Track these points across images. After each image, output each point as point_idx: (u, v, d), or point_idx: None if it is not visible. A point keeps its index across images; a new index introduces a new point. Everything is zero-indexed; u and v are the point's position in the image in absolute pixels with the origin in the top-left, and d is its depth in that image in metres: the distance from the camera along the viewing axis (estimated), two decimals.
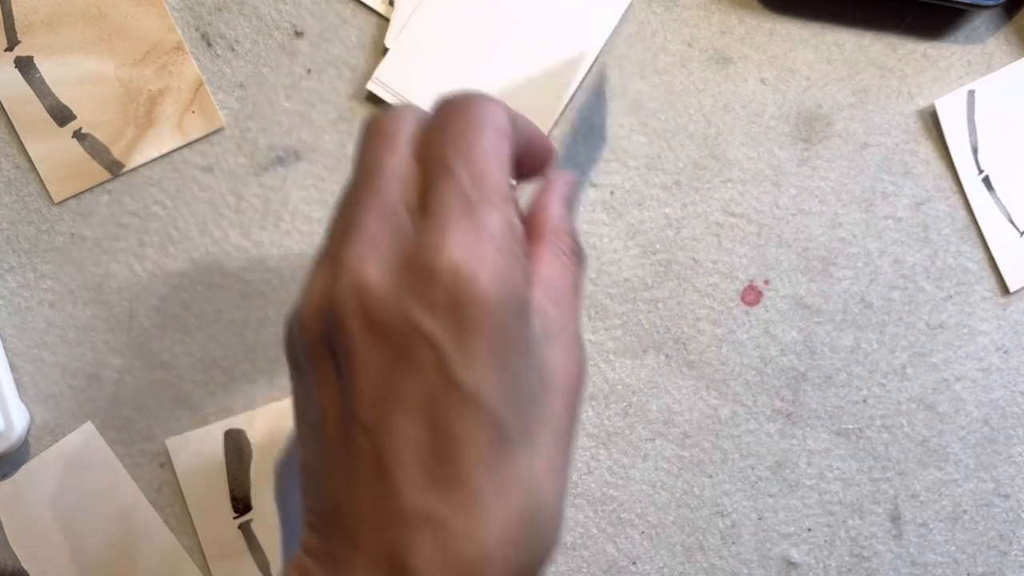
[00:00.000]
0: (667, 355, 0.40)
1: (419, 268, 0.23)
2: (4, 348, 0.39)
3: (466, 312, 0.22)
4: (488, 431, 0.23)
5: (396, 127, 0.25)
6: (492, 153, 0.25)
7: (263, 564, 0.39)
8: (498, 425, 0.23)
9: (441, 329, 0.23)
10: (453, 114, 0.25)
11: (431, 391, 0.23)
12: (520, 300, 0.24)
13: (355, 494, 0.24)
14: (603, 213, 0.40)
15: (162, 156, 0.39)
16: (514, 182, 0.27)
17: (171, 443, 0.39)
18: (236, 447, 0.39)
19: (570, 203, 0.29)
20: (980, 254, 0.40)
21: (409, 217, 0.24)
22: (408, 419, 0.23)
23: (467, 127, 0.25)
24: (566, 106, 0.40)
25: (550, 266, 0.26)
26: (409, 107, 0.27)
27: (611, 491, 0.40)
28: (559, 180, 0.29)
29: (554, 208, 0.28)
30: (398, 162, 0.25)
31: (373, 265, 0.23)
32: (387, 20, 0.39)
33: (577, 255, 0.27)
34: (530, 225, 0.28)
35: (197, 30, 0.40)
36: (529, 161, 0.29)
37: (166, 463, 0.39)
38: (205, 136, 0.39)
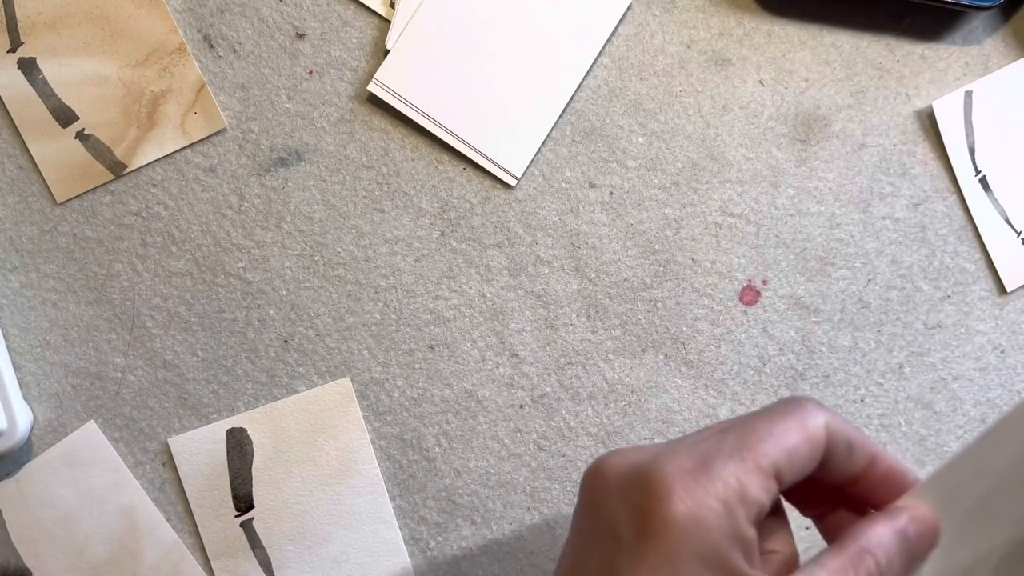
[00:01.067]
0: (666, 354, 0.40)
1: (637, 475, 0.26)
2: (7, 347, 0.39)
3: (651, 523, 0.25)
4: None
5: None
6: (775, 436, 0.26)
7: (264, 562, 0.39)
8: None
9: (627, 528, 0.26)
10: (781, 400, 0.28)
11: (601, 574, 0.26)
12: (706, 544, 0.25)
13: None
14: (602, 213, 0.40)
15: (164, 157, 0.40)
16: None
17: (173, 442, 0.39)
18: (238, 445, 0.39)
19: (909, 544, 0.27)
20: (977, 254, 0.41)
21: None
22: None
23: (775, 411, 0.27)
24: (566, 107, 0.40)
25: (831, 572, 0.26)
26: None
27: None
28: (903, 513, 0.27)
29: (878, 531, 0.27)
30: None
31: (617, 459, 0.28)
32: (388, 22, 0.40)
33: None
34: (847, 532, 0.27)
35: (199, 32, 0.40)
36: (873, 483, 0.28)
37: (168, 461, 0.40)
38: (207, 137, 0.40)
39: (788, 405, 0.27)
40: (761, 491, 0.26)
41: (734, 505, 0.25)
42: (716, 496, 0.25)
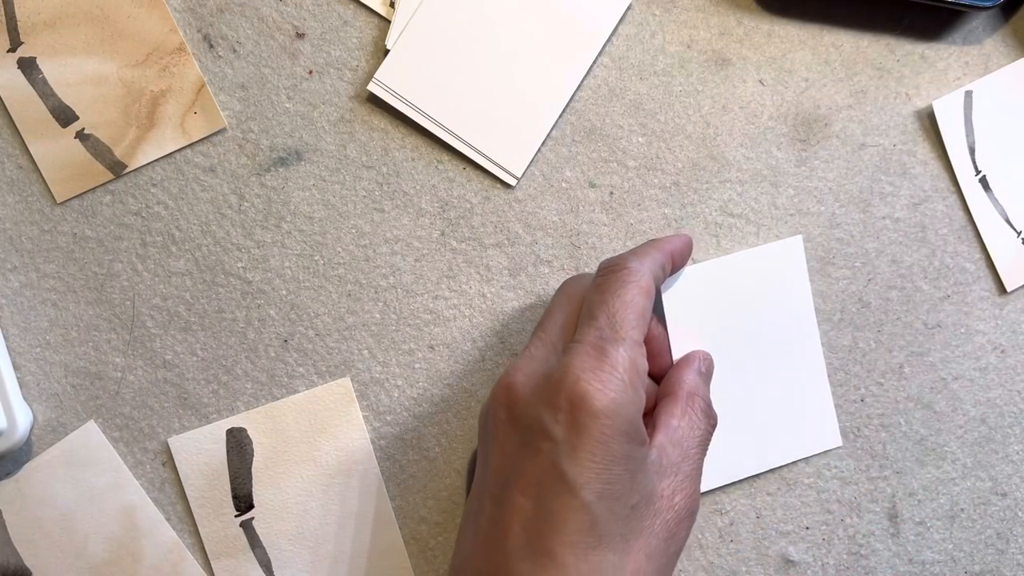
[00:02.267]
0: None
1: (552, 381, 0.30)
2: (7, 347, 0.39)
3: (579, 418, 0.29)
4: (580, 518, 0.29)
5: (572, 286, 0.35)
6: (630, 306, 0.32)
7: (264, 562, 0.39)
8: (591, 516, 0.29)
9: (559, 427, 0.29)
10: (606, 274, 0.33)
11: (542, 474, 0.29)
12: (627, 420, 0.30)
13: (475, 548, 0.31)
14: (602, 213, 0.40)
15: (164, 156, 0.40)
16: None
17: (173, 442, 0.39)
18: (238, 445, 0.39)
19: (705, 376, 0.36)
20: (977, 254, 0.41)
21: (562, 348, 0.32)
22: (522, 494, 0.30)
23: (613, 285, 0.32)
24: (566, 107, 0.40)
25: (679, 418, 0.34)
26: (586, 274, 0.36)
27: None
28: (696, 357, 0.37)
29: (689, 376, 0.35)
30: (566, 311, 0.33)
31: (523, 374, 0.31)
32: (388, 22, 0.40)
33: (707, 415, 0.34)
34: (667, 386, 0.36)
35: (199, 31, 0.40)
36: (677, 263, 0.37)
37: (168, 461, 0.40)
38: (207, 137, 0.40)
39: (618, 274, 0.33)
40: (644, 358, 0.32)
41: (635, 381, 0.30)
42: (622, 379, 0.30)
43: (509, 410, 0.31)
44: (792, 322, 0.39)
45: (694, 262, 0.39)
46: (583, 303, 0.33)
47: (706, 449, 0.34)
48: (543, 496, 0.29)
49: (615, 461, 0.29)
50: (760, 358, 0.39)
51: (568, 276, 0.40)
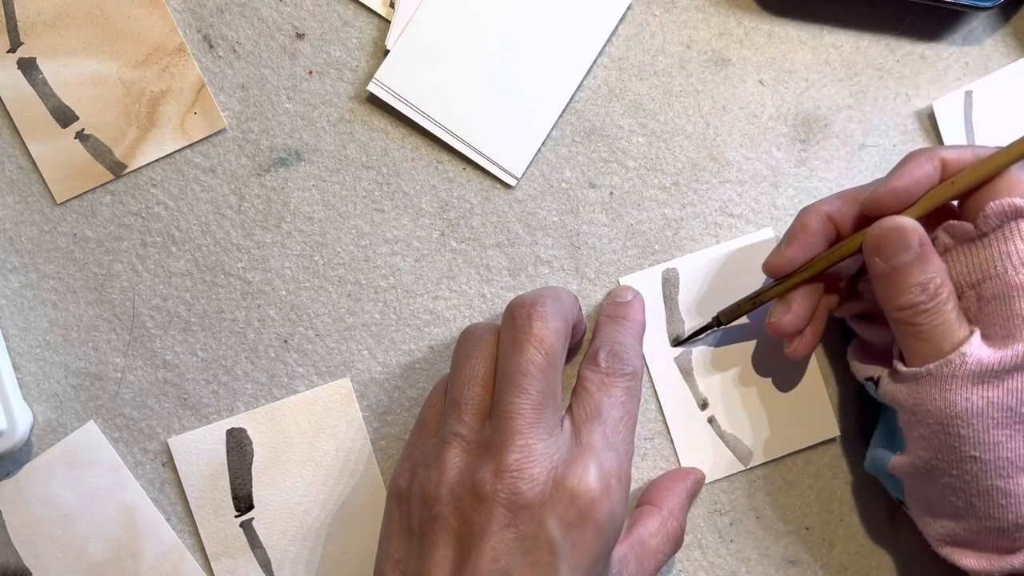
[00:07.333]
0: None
1: (565, 489, 0.30)
2: (7, 348, 0.39)
3: (584, 531, 0.29)
4: None
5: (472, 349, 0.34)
6: (628, 414, 0.34)
7: (264, 562, 0.39)
8: None
9: (562, 537, 0.29)
10: (609, 376, 0.35)
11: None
12: (617, 529, 0.31)
13: None
14: (602, 213, 0.40)
15: (164, 157, 0.40)
16: None
17: (173, 442, 0.39)
18: (238, 446, 0.39)
19: (691, 496, 0.38)
20: None
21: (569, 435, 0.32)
22: None
23: (616, 388, 0.34)
24: (565, 107, 0.40)
25: (652, 536, 0.35)
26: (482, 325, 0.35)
27: None
28: (689, 476, 0.38)
29: (676, 496, 0.37)
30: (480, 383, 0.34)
31: (528, 477, 0.30)
32: (388, 22, 0.40)
33: (676, 541, 0.35)
34: (653, 494, 0.37)
35: (199, 32, 0.40)
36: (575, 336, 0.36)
37: (168, 462, 0.40)
38: (207, 137, 0.40)
39: (616, 379, 0.35)
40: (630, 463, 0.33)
41: (621, 487, 0.31)
42: (621, 499, 0.31)
43: (512, 511, 0.29)
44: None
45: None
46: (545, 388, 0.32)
47: (660, 569, 0.35)
48: None
49: (597, 573, 0.30)
50: (750, 347, 0.40)
51: (568, 276, 0.40)
